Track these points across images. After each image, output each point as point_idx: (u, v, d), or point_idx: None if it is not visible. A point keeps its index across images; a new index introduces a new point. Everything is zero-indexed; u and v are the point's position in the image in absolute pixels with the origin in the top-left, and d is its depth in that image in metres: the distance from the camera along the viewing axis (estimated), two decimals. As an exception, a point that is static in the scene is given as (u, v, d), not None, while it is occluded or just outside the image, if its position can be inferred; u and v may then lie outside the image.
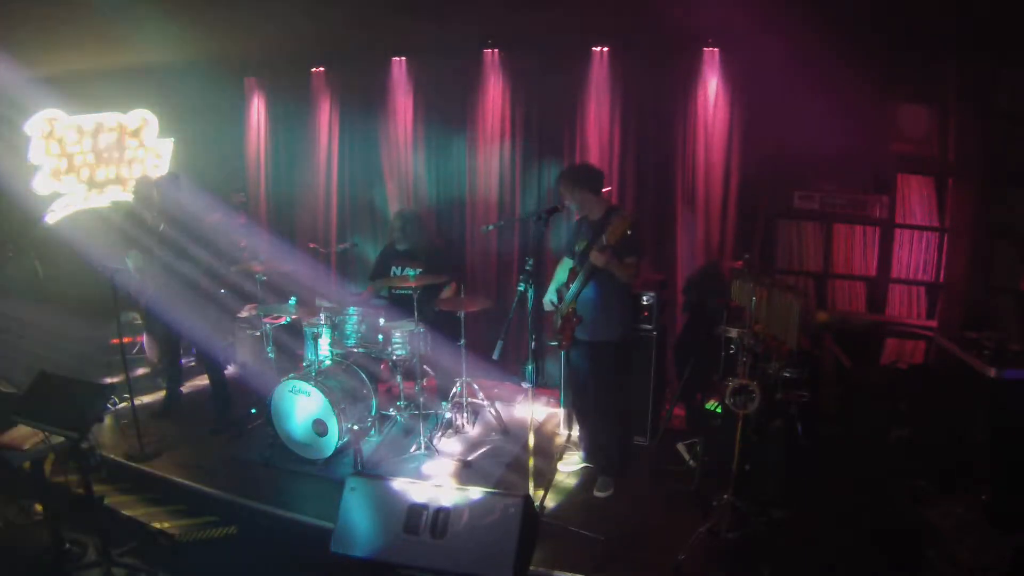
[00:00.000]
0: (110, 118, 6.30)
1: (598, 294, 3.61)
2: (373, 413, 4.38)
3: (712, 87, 4.91)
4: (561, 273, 3.92)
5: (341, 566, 2.90)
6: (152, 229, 4.47)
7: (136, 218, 4.56)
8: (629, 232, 3.29)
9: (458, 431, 4.61)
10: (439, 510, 2.85)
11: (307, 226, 6.36)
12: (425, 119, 5.79)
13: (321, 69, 6.03)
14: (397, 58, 5.69)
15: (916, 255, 4.92)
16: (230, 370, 4.94)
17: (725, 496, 3.31)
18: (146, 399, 5.07)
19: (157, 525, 3.65)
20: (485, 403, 4.76)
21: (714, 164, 4.99)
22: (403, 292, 4.71)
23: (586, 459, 4.18)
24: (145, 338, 5.59)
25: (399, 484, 3.01)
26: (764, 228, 5.11)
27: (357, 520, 2.94)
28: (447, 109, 5.71)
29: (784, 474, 3.64)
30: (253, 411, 4.69)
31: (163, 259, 4.43)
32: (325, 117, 6.12)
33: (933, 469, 3.70)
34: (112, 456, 4.19)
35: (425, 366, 4.61)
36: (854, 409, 4.31)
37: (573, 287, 3.62)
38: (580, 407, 4.09)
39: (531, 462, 3.43)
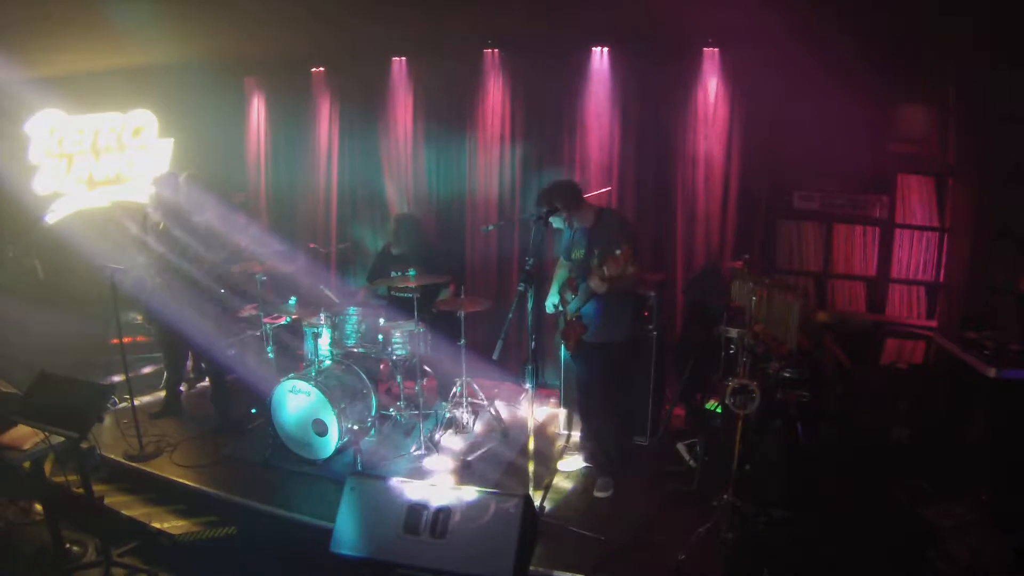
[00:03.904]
0: (110, 118, 6.30)
1: (601, 301, 3.60)
2: (373, 413, 4.37)
3: (712, 87, 4.91)
4: (561, 273, 3.92)
5: (341, 566, 2.90)
6: (155, 228, 4.48)
7: (143, 216, 4.56)
8: (630, 269, 3.22)
9: (458, 431, 4.61)
10: (439, 510, 2.85)
11: (307, 226, 6.37)
12: (425, 119, 5.78)
13: (321, 69, 6.03)
14: (397, 58, 5.69)
15: (916, 255, 4.92)
16: (232, 376, 4.93)
17: (725, 496, 3.31)
18: (146, 399, 5.07)
19: (157, 525, 3.65)
20: (485, 403, 4.76)
21: (714, 164, 4.99)
22: (403, 295, 4.71)
23: (586, 459, 4.18)
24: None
25: (399, 484, 3.00)
26: (764, 228, 5.11)
27: (357, 520, 2.93)
28: (447, 109, 5.71)
29: (784, 474, 3.64)
30: (253, 411, 4.69)
31: (164, 259, 4.43)
32: (325, 117, 6.12)
33: (933, 469, 3.70)
34: (112, 456, 4.19)
35: (425, 366, 4.61)
36: (854, 409, 4.30)
37: (575, 302, 3.61)
38: (581, 407, 4.09)
39: (531, 462, 3.43)
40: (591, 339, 3.68)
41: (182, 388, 5.15)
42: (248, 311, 5.09)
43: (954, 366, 4.03)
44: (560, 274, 3.95)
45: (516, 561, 2.67)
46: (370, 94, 5.88)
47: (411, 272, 4.38)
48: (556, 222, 3.67)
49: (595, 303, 3.61)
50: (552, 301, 3.92)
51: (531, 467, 3.43)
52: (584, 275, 3.54)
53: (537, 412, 4.81)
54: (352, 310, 4.47)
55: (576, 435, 4.35)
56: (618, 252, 3.20)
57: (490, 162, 5.58)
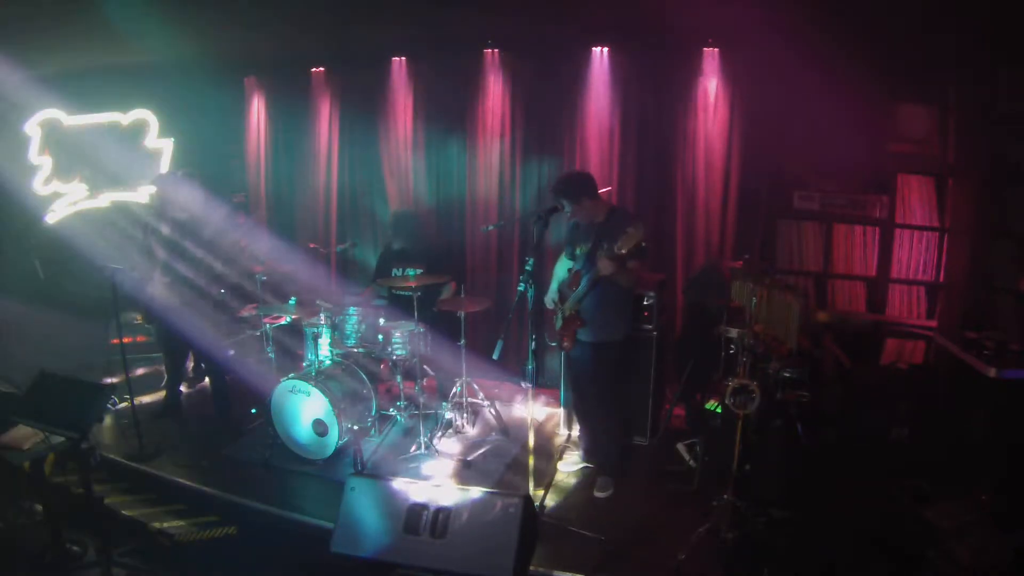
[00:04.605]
0: (110, 118, 6.29)
1: (601, 296, 3.60)
2: (373, 413, 4.38)
3: (712, 87, 4.90)
4: (561, 270, 3.91)
5: (341, 566, 2.90)
6: (156, 228, 4.48)
7: (144, 217, 4.57)
8: (643, 244, 3.24)
9: (458, 431, 4.61)
10: (439, 510, 2.85)
11: (307, 226, 6.37)
12: (425, 119, 5.78)
13: (321, 69, 6.03)
14: (397, 58, 5.69)
15: (916, 255, 4.92)
16: (232, 375, 4.94)
17: (725, 496, 3.32)
18: (146, 399, 5.07)
19: (157, 525, 3.65)
20: (485, 403, 4.76)
21: (714, 164, 4.99)
22: (403, 293, 4.71)
23: (586, 459, 4.18)
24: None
25: (399, 484, 3.00)
26: (764, 228, 5.11)
27: (357, 520, 2.94)
28: (447, 109, 5.70)
29: (784, 474, 3.64)
30: (253, 411, 4.69)
31: (163, 258, 4.43)
32: (325, 117, 6.11)
33: (933, 469, 3.70)
34: (112, 456, 4.19)
35: (425, 366, 4.61)
36: (854, 409, 4.31)
37: (577, 292, 3.61)
38: (580, 407, 4.09)
39: (531, 462, 3.42)
40: (587, 338, 3.68)
41: (182, 388, 5.15)
42: (248, 311, 5.09)
43: (954, 366, 4.03)
44: (560, 271, 3.95)
45: (516, 561, 2.67)
46: (370, 94, 5.88)
47: (411, 272, 4.38)
48: (569, 212, 3.66)
49: (592, 301, 3.61)
50: (551, 296, 3.92)
51: (531, 467, 3.43)
52: (589, 267, 3.53)
53: (537, 412, 4.82)
54: (352, 310, 4.47)
55: (576, 435, 4.35)
56: (630, 230, 3.19)
57: (490, 162, 5.58)
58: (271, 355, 4.72)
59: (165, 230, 4.48)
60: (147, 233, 4.56)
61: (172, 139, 6.46)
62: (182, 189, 4.59)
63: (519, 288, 3.23)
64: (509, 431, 4.63)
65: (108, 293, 4.25)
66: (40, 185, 6.12)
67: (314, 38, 5.43)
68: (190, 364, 5.45)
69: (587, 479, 4.04)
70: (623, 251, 3.22)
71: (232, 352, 5.02)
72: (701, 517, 3.37)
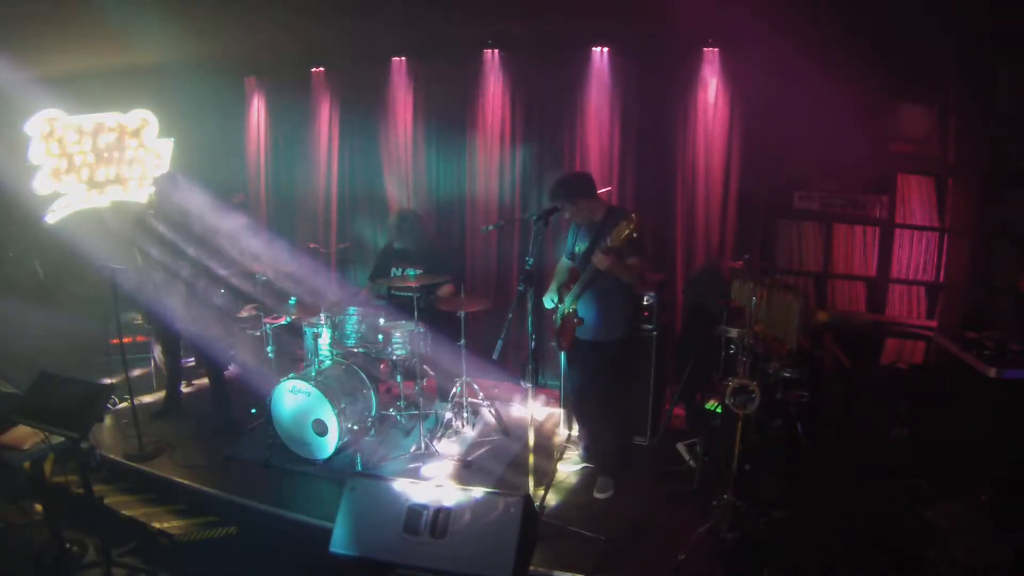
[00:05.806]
0: (110, 118, 6.29)
1: (599, 295, 3.60)
2: (373, 413, 4.37)
3: (712, 87, 4.91)
4: (561, 271, 3.91)
5: (341, 566, 2.90)
6: (154, 228, 4.47)
7: (144, 217, 4.57)
8: (634, 235, 3.27)
9: (458, 431, 4.61)
10: (439, 510, 2.85)
11: (307, 226, 6.37)
12: (425, 119, 5.79)
13: (321, 69, 6.04)
14: (397, 58, 5.70)
15: (916, 255, 4.92)
16: (231, 370, 4.94)
17: (725, 496, 3.31)
18: (146, 399, 5.07)
19: (157, 525, 3.65)
20: (485, 403, 4.76)
21: (714, 164, 4.99)
22: (403, 294, 4.71)
23: (586, 459, 4.18)
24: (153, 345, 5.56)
25: (399, 484, 3.00)
26: (764, 228, 5.11)
27: (357, 520, 2.93)
28: (447, 109, 5.71)
29: (784, 474, 3.64)
30: (253, 411, 4.69)
31: (163, 258, 4.43)
32: (325, 117, 6.12)
33: (933, 469, 3.70)
34: (112, 456, 4.19)
35: (425, 366, 4.61)
36: (854, 409, 4.31)
37: (575, 289, 3.61)
38: (580, 407, 4.09)
39: (531, 462, 3.42)
40: (586, 338, 3.68)
41: (182, 388, 5.14)
42: (248, 311, 5.09)
43: (954, 366, 4.03)
44: (560, 272, 3.95)
45: (516, 561, 2.67)
46: (370, 94, 5.88)
47: (411, 272, 4.37)
48: (570, 215, 3.68)
49: (591, 301, 3.61)
50: (551, 296, 3.92)
51: (531, 467, 3.43)
52: (586, 265, 3.54)
53: (537, 412, 4.81)
54: (352, 310, 4.46)
55: (576, 435, 4.35)
56: (621, 223, 3.20)
57: (490, 162, 5.58)
58: (271, 355, 4.72)
59: (164, 230, 4.47)
60: (146, 233, 4.56)
61: (172, 139, 6.46)
62: (182, 189, 4.59)
63: (519, 288, 3.23)
64: (509, 431, 4.63)
65: (108, 293, 4.25)
66: (40, 185, 6.12)
67: (314, 38, 5.43)
68: (189, 363, 5.43)
69: (587, 479, 4.03)
70: (614, 244, 3.25)
71: (232, 352, 5.01)
72: (701, 517, 3.37)
